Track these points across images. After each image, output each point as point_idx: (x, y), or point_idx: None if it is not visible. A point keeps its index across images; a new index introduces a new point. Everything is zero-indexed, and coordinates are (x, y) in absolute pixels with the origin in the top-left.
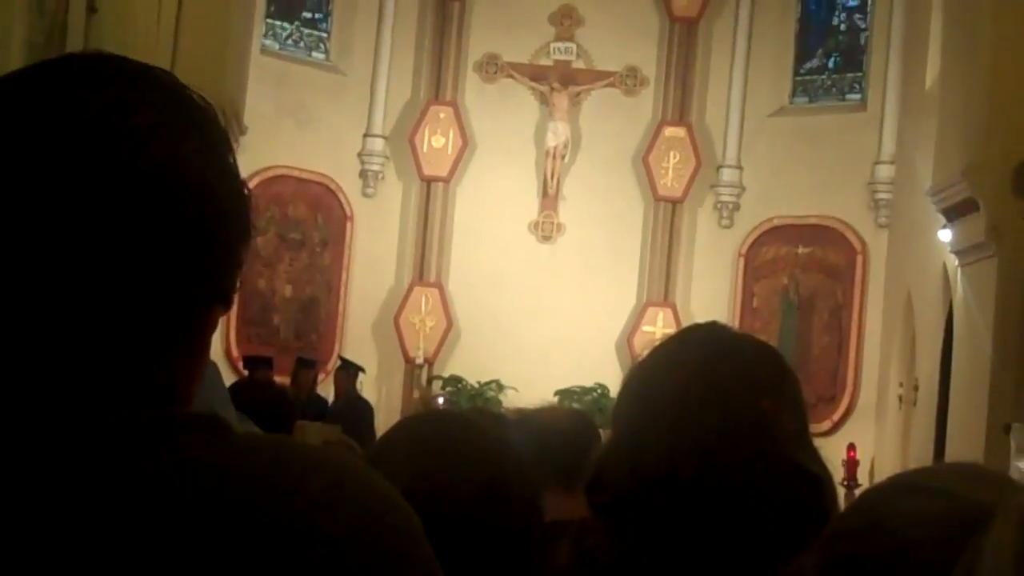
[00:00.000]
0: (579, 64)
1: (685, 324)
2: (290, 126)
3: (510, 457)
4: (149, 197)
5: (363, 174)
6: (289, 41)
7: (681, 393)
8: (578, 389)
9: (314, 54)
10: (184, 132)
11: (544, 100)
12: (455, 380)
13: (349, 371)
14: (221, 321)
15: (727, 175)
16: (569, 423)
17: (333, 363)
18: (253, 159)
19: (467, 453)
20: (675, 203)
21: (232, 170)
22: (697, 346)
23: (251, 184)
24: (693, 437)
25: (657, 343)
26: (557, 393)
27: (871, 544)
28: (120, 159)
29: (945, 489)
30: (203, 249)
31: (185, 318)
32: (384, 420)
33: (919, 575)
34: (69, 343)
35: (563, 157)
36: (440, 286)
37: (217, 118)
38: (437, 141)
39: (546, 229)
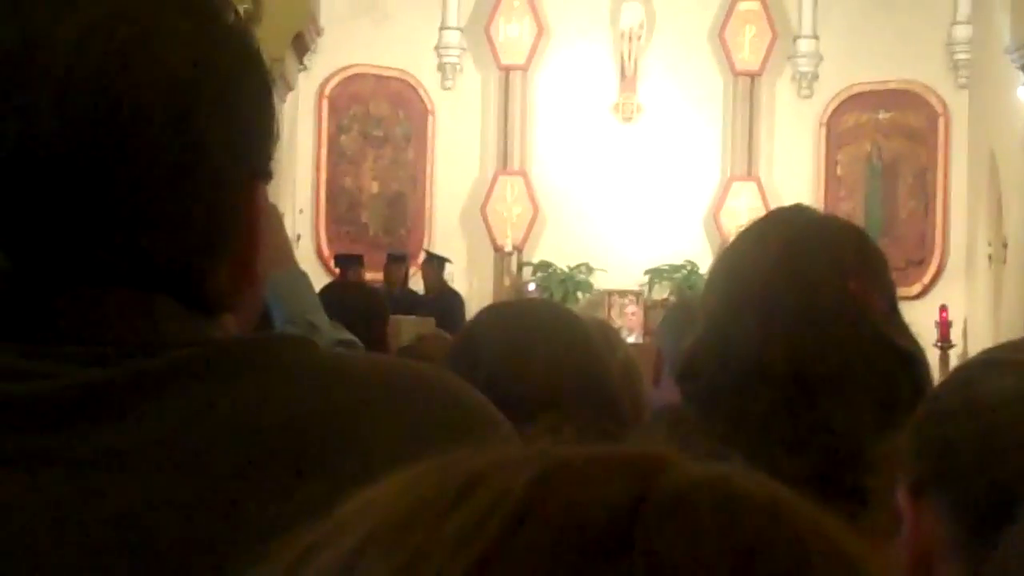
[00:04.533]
0: None
1: (770, 196)
2: (366, 24)
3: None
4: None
5: (441, 67)
6: None
7: (767, 280)
8: (667, 267)
9: None
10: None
11: None
12: (545, 265)
13: (434, 263)
14: (310, 221)
15: (804, 45)
16: None
17: (423, 257)
18: (331, 59)
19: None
20: (753, 76)
21: (228, 32)
22: (781, 231)
23: (331, 84)
24: (781, 324)
25: (742, 228)
26: (647, 272)
27: (963, 425)
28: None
29: None
30: (216, 121)
31: (225, 201)
32: (476, 310)
33: (1012, 455)
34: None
35: (639, 37)
36: (524, 173)
37: None
38: (512, 29)
39: (626, 110)
